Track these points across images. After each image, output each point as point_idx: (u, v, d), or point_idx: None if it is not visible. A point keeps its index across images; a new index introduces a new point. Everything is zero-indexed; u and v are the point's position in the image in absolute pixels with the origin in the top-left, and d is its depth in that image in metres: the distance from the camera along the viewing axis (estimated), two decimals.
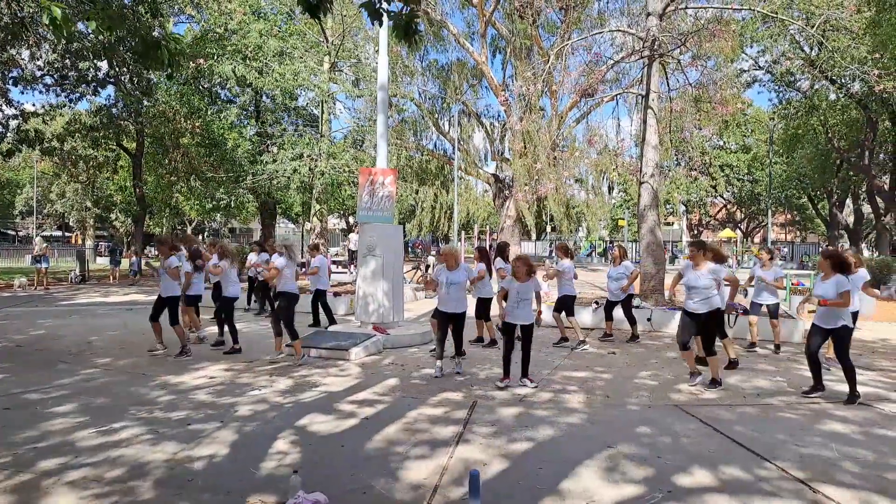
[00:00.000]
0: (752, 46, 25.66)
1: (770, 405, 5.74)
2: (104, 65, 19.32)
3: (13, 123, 18.95)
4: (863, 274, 7.47)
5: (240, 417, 5.12)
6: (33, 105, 21.37)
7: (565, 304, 8.91)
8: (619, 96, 18.28)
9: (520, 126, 23.30)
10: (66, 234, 51.71)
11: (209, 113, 22.65)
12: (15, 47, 16.72)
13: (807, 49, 24.55)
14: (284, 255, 7.56)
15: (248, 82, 20.47)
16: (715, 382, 6.34)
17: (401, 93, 25.72)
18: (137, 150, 23.29)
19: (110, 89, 20.98)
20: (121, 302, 14.20)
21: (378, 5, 3.72)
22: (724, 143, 41.93)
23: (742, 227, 53.59)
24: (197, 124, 21.81)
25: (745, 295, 9.63)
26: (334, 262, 21.59)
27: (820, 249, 29.50)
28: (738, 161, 42.65)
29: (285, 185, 20.97)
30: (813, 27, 14.27)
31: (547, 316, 9.38)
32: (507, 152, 29.85)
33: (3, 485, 3.71)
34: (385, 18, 3.82)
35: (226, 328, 8.18)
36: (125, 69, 18.75)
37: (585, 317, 10.76)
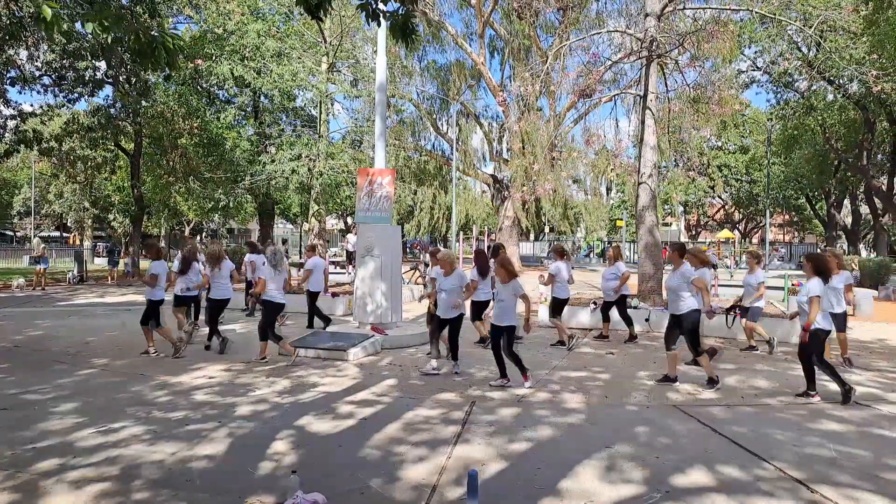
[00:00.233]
0: (750, 47, 25.71)
1: (768, 405, 5.75)
2: (102, 65, 19.31)
3: (11, 124, 18.92)
4: (845, 276, 7.50)
5: (238, 417, 5.12)
6: (31, 105, 21.32)
7: (559, 305, 8.98)
8: (617, 97, 18.30)
9: (518, 126, 23.31)
10: (64, 234, 51.63)
11: (207, 113, 22.63)
12: (13, 48, 16.70)
13: (804, 50, 24.60)
14: (268, 264, 7.53)
15: (246, 83, 20.46)
16: (711, 382, 6.35)
17: (399, 93, 25.72)
18: (135, 151, 23.25)
19: (108, 89, 20.97)
20: (119, 302, 14.18)
21: (375, 6, 3.73)
22: (723, 143, 42.00)
23: (740, 227, 53.69)
24: (195, 125, 21.80)
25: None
26: (333, 263, 21.58)
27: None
28: (736, 162, 42.74)
29: (284, 185, 20.96)
30: (811, 28, 14.28)
31: (543, 316, 9.39)
32: (505, 153, 29.86)
33: (2, 485, 3.71)
34: (382, 19, 3.83)
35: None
36: (123, 69, 18.74)
37: (583, 317, 10.78)
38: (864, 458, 4.33)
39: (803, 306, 5.97)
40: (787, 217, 50.38)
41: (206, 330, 8.82)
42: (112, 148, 24.18)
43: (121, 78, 19.86)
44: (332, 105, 22.80)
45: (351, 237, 22.75)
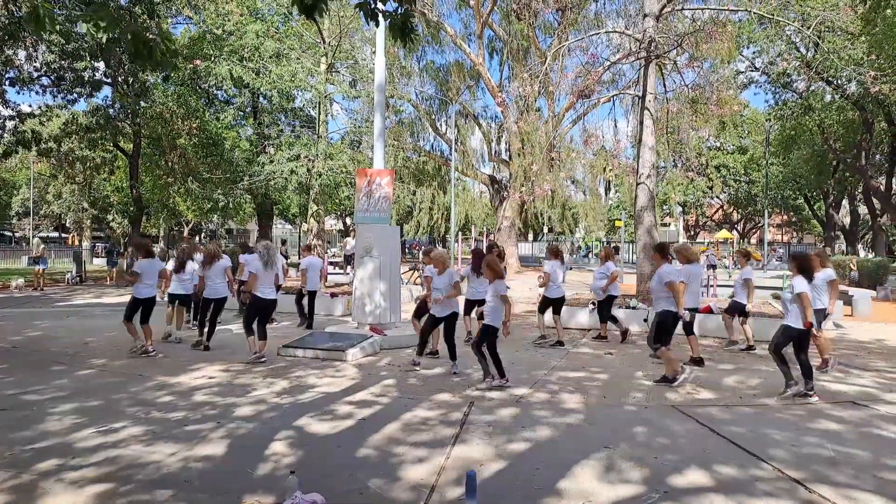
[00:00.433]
0: (748, 48, 25.74)
1: (766, 405, 5.76)
2: (101, 65, 19.31)
3: (10, 124, 18.91)
4: (826, 274, 7.54)
5: (237, 418, 5.12)
6: (30, 106, 21.31)
7: (545, 303, 9.06)
8: (615, 97, 18.32)
9: (517, 127, 23.33)
10: (63, 235, 51.58)
11: (206, 114, 22.64)
12: (12, 48, 16.69)
13: (803, 50, 24.63)
14: (259, 260, 7.53)
15: (244, 83, 20.46)
16: (665, 379, 6.52)
17: (398, 94, 25.74)
18: (134, 151, 23.25)
19: (107, 90, 20.97)
20: (117, 303, 14.15)
21: (373, 6, 3.73)
22: (721, 144, 42.05)
23: (739, 228, 53.75)
24: (194, 125, 21.80)
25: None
26: (331, 263, 21.59)
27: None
28: (734, 162, 42.79)
29: (282, 186, 20.96)
30: (809, 28, 14.31)
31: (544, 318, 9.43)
32: (504, 153, 29.88)
33: (2, 485, 3.71)
34: (381, 18, 3.84)
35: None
36: (122, 70, 18.74)
37: (582, 318, 10.78)
38: (863, 457, 4.34)
39: (787, 304, 6.07)
40: (785, 217, 50.47)
41: (204, 330, 8.86)
42: (111, 148, 24.19)
43: (119, 78, 19.86)
44: (331, 106, 22.82)
45: (349, 241, 22.80)
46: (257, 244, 8.62)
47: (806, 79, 24.45)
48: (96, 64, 18.86)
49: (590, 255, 40.67)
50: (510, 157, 26.92)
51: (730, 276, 20.91)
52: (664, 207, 41.55)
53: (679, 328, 7.03)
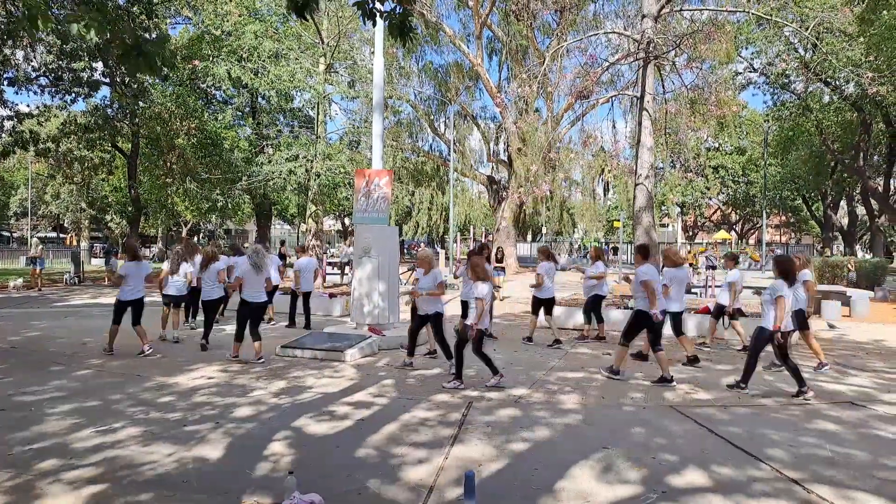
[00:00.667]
0: (746, 48, 25.78)
1: (764, 406, 5.77)
2: (100, 65, 19.29)
3: (8, 124, 18.88)
4: (803, 274, 7.61)
5: (235, 418, 5.12)
6: (28, 106, 21.28)
7: (538, 304, 9.14)
8: (614, 98, 18.35)
9: (515, 128, 23.35)
10: (61, 235, 51.48)
11: (205, 114, 22.62)
12: (11, 48, 16.67)
13: (801, 51, 24.68)
14: (248, 264, 7.53)
15: (243, 83, 20.45)
16: (612, 371, 6.74)
17: (397, 94, 25.75)
18: (133, 151, 23.23)
19: (105, 90, 20.95)
20: None
21: (371, 5, 3.73)
22: (719, 144, 42.10)
23: (737, 228, 53.81)
24: (192, 125, 21.79)
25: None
26: (330, 264, 21.58)
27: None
28: (732, 163, 42.84)
29: (281, 186, 20.95)
30: (807, 30, 14.34)
31: (541, 318, 9.45)
32: (502, 154, 29.89)
33: (0, 485, 3.70)
34: (379, 18, 3.84)
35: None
36: (120, 70, 18.72)
37: (580, 318, 10.77)
38: (861, 458, 4.35)
39: (765, 305, 6.17)
40: (783, 218, 50.54)
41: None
42: (109, 149, 24.15)
43: (118, 79, 19.84)
44: (330, 106, 22.80)
45: (345, 248, 22.89)
46: (247, 247, 8.63)
47: (804, 80, 24.51)
48: (94, 64, 18.84)
49: (588, 255, 40.63)
50: (509, 158, 26.93)
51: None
52: (662, 208, 41.58)
53: (668, 330, 7.25)
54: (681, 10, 14.77)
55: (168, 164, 22.75)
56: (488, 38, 27.21)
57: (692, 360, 7.59)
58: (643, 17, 13.10)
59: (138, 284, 7.89)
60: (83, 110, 21.70)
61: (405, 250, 38.90)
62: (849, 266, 18.95)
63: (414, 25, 4.01)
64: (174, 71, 19.83)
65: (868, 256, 27.79)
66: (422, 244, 38.98)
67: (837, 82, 23.88)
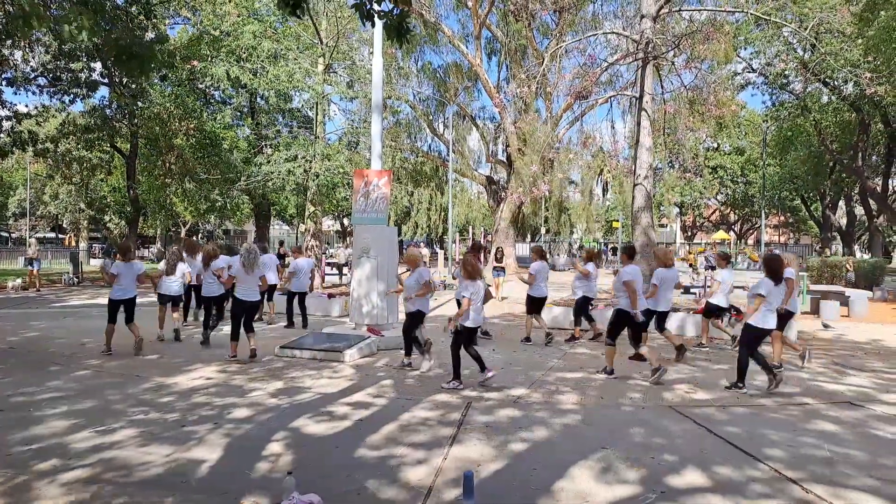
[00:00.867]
0: (745, 49, 25.80)
1: (762, 405, 5.77)
2: (98, 65, 19.26)
3: (6, 125, 18.85)
4: (787, 271, 7.65)
5: (234, 419, 5.11)
6: (26, 106, 21.24)
7: (532, 303, 9.22)
8: (613, 98, 18.35)
9: (514, 128, 23.36)
10: (60, 235, 51.43)
11: (204, 114, 22.60)
12: (8, 48, 16.64)
13: (800, 51, 24.72)
14: (240, 263, 7.53)
15: (241, 84, 20.44)
16: (605, 371, 6.94)
17: (396, 95, 25.75)
18: (131, 152, 23.19)
19: (104, 90, 20.92)
20: None
21: (369, 6, 3.73)
22: (718, 145, 42.14)
23: (736, 229, 53.86)
24: (191, 126, 21.76)
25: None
26: (329, 264, 21.56)
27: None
28: (731, 163, 42.88)
29: (280, 186, 20.94)
30: (806, 30, 14.35)
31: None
32: (501, 154, 29.90)
33: None
34: (377, 19, 3.83)
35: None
36: (118, 71, 18.70)
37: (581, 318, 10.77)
38: (859, 458, 4.35)
39: (749, 302, 6.39)
40: (782, 218, 50.59)
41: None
42: (108, 149, 24.12)
43: (116, 79, 19.82)
44: (329, 106, 22.80)
45: (341, 251, 22.88)
46: (242, 247, 8.65)
47: (803, 80, 24.54)
48: (93, 64, 18.81)
49: (600, 256, 40.59)
50: (508, 158, 26.94)
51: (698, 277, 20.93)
52: (660, 209, 41.64)
53: (652, 329, 7.54)
54: (679, 10, 14.77)
55: (167, 164, 22.71)
56: (487, 38, 27.23)
57: (680, 350, 7.72)
58: (642, 17, 13.10)
59: (130, 284, 7.99)
60: (82, 111, 21.68)
61: (404, 251, 38.82)
62: (847, 266, 18.97)
63: (412, 27, 4.00)
64: (173, 71, 19.82)
65: (866, 256, 27.83)
66: (421, 244, 39.00)
67: (836, 82, 23.91)
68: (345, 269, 20.44)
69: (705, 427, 5.02)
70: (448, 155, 27.21)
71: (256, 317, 9.04)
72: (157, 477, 3.88)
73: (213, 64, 19.69)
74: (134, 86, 19.68)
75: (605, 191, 42.96)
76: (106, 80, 20.22)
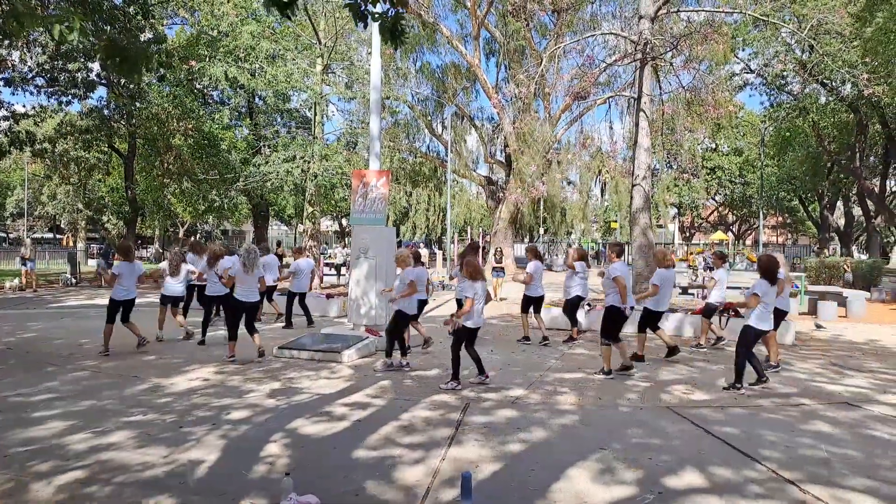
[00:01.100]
0: (743, 50, 25.84)
1: (760, 406, 5.78)
2: (96, 66, 19.25)
3: (4, 125, 18.82)
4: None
5: (231, 420, 5.11)
6: (24, 106, 21.19)
7: (528, 303, 9.28)
8: (611, 99, 18.38)
9: (513, 129, 23.36)
10: (58, 235, 51.34)
11: (202, 115, 22.58)
12: (6, 48, 16.62)
13: (798, 52, 24.75)
14: (240, 263, 7.53)
15: (239, 84, 20.42)
16: (603, 372, 6.93)
17: (394, 95, 25.72)
18: (129, 152, 23.18)
19: (102, 90, 20.91)
20: None
21: (363, 7, 3.73)
22: (717, 145, 42.18)
23: (734, 229, 53.92)
24: (189, 126, 21.75)
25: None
26: (327, 265, 21.56)
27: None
28: (729, 164, 42.93)
29: (278, 187, 20.93)
30: (804, 31, 14.37)
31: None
32: (500, 155, 29.91)
33: None
34: (371, 19, 3.84)
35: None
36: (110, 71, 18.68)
37: (578, 318, 10.77)
38: (856, 458, 4.36)
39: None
40: (780, 219, 50.64)
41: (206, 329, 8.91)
42: (106, 149, 24.11)
43: (114, 79, 19.79)
44: (327, 107, 22.78)
45: (338, 251, 22.88)
46: (241, 248, 8.66)
47: (801, 81, 24.57)
48: (90, 64, 18.79)
49: (598, 256, 40.61)
50: (506, 159, 26.95)
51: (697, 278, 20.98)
52: (657, 210, 41.67)
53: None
54: (678, 10, 14.80)
55: (165, 164, 22.69)
56: (486, 38, 27.23)
57: (672, 351, 7.79)
58: (640, 18, 13.12)
59: (132, 284, 8.04)
60: (79, 111, 21.67)
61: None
62: (845, 267, 19.00)
63: (406, 29, 3.99)
64: (171, 72, 19.80)
65: (864, 257, 27.85)
66: (420, 245, 39.00)
67: (834, 83, 23.93)
68: (343, 270, 20.44)
69: (703, 428, 5.03)
70: (446, 155, 27.21)
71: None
72: (154, 478, 3.87)
73: (211, 64, 19.68)
74: (132, 86, 19.66)
75: (603, 191, 43.02)
76: (104, 81, 20.20)
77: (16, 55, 18.10)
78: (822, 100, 26.61)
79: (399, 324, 7.29)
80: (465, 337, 6.36)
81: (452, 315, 6.48)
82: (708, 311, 8.92)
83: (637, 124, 13.36)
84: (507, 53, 25.68)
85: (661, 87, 14.58)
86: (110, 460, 4.15)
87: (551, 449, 4.51)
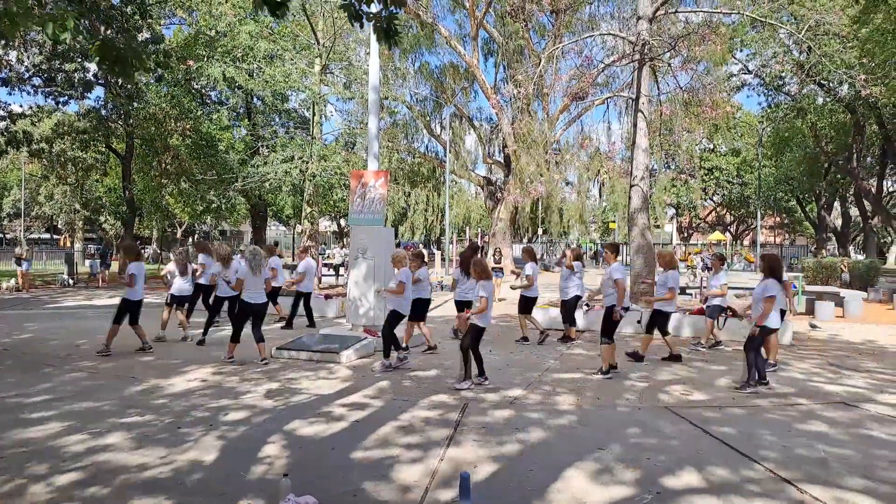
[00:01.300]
0: (741, 50, 25.91)
1: (758, 406, 5.79)
2: (93, 66, 19.20)
3: (1, 124, 18.78)
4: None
5: (229, 421, 5.10)
6: (20, 106, 21.18)
7: (526, 303, 9.30)
8: (609, 100, 18.40)
9: (511, 129, 23.38)
10: (55, 236, 51.24)
11: (200, 115, 22.56)
12: (3, 48, 16.58)
13: (796, 53, 24.80)
14: (246, 265, 7.53)
15: (237, 84, 20.41)
16: (602, 371, 6.96)
17: (392, 95, 25.73)
18: (127, 152, 23.13)
19: (100, 90, 20.87)
20: (109, 305, 14.08)
21: (358, 7, 3.74)
22: (714, 146, 42.23)
23: (732, 229, 54.01)
24: (187, 126, 21.72)
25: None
26: (325, 265, 21.55)
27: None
28: (727, 164, 43.00)
29: (276, 187, 20.92)
30: (801, 32, 14.41)
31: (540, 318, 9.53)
32: (498, 155, 29.93)
33: None
34: (365, 20, 3.85)
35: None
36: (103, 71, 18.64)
37: (576, 318, 10.78)
38: (853, 458, 4.37)
39: (756, 303, 6.42)
40: (778, 219, 50.74)
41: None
42: (103, 150, 24.05)
43: (111, 79, 19.75)
44: (325, 107, 22.79)
45: (336, 251, 22.89)
46: (246, 248, 8.67)
47: (798, 81, 24.62)
48: (87, 64, 18.75)
49: (583, 256, 40.69)
50: (505, 159, 26.96)
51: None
52: (655, 211, 41.73)
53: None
54: (676, 11, 14.83)
55: (162, 164, 22.66)
56: (484, 39, 27.25)
57: (675, 358, 7.82)
58: (638, 18, 13.14)
59: (142, 286, 8.09)
60: (77, 111, 21.62)
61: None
62: (842, 267, 19.05)
63: (400, 29, 4.02)
64: (169, 72, 19.77)
65: (861, 257, 27.91)
66: (419, 246, 38.95)
67: (831, 84, 23.99)
68: (341, 270, 20.43)
69: (701, 428, 5.04)
70: (445, 156, 27.21)
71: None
72: (152, 479, 3.86)
73: (209, 64, 19.67)
74: (130, 86, 19.63)
75: (601, 192, 43.06)
76: (101, 81, 20.16)
77: (13, 55, 18.06)
78: (820, 100, 26.67)
79: (392, 324, 7.32)
80: (479, 336, 6.38)
81: (465, 312, 6.54)
82: (713, 311, 8.92)
83: (635, 125, 13.39)
84: (506, 54, 25.70)
85: (659, 88, 14.61)
86: (108, 461, 4.14)
87: (550, 449, 4.51)
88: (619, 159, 22.45)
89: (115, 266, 22.89)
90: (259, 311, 7.61)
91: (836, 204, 36.85)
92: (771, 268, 6.45)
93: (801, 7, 17.39)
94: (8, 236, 53.64)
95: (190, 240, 44.33)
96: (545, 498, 3.66)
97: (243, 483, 3.83)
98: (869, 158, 30.28)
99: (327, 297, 12.94)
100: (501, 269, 16.56)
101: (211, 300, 9.55)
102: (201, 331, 8.94)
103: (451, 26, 28.02)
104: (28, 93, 19.14)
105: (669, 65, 14.22)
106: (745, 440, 4.71)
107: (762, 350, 7.17)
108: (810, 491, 3.78)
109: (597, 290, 9.08)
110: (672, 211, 49.11)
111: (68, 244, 44.13)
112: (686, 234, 54.62)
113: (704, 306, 9.50)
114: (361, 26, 4.00)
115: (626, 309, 7.27)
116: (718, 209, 52.40)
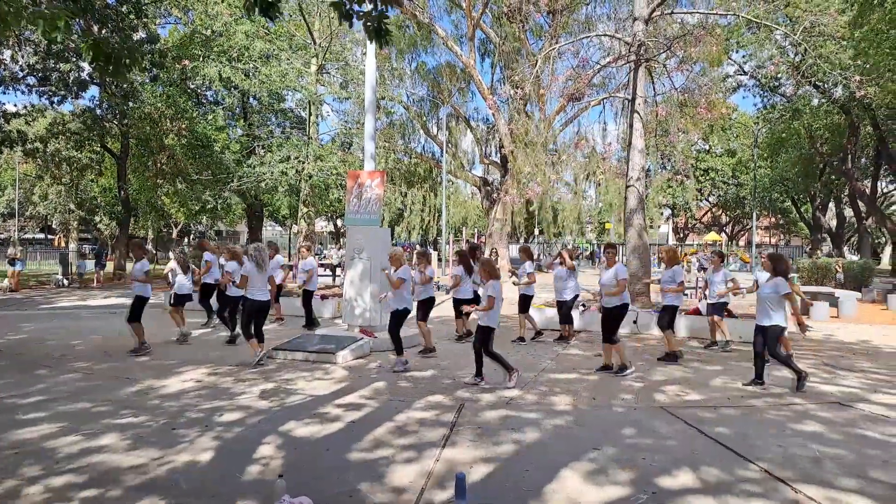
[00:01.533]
0: (737, 51, 25.97)
1: (753, 406, 5.81)
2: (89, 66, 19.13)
3: None
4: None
5: (224, 422, 5.08)
6: (14, 106, 21.10)
7: (525, 303, 9.36)
8: (605, 100, 18.43)
9: (507, 129, 23.38)
10: (50, 236, 51.00)
11: (195, 115, 22.50)
12: None
13: (791, 54, 24.89)
14: (251, 262, 7.51)
15: (233, 84, 20.37)
16: (622, 368, 7.03)
17: (389, 95, 25.69)
18: (122, 152, 23.05)
19: (94, 90, 20.78)
20: (104, 305, 14.03)
21: (348, 6, 3.75)
22: (710, 147, 42.36)
23: (727, 230, 54.18)
24: (183, 126, 21.66)
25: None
26: (322, 265, 21.53)
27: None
28: (722, 165, 43.12)
29: (273, 187, 20.87)
30: (797, 33, 14.46)
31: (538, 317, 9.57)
32: (495, 155, 29.93)
33: None
34: (355, 19, 3.87)
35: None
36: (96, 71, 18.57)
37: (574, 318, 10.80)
38: (848, 458, 4.38)
39: (769, 303, 6.38)
40: (773, 220, 50.90)
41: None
42: (98, 149, 23.96)
43: (106, 79, 19.68)
44: (322, 107, 22.77)
45: (334, 252, 22.89)
46: (248, 246, 8.59)
47: (794, 83, 24.71)
48: (82, 64, 18.68)
49: (580, 256, 40.73)
50: (501, 159, 26.96)
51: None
52: (650, 211, 41.84)
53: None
54: (672, 12, 14.86)
55: (158, 164, 22.58)
56: (481, 39, 27.21)
57: (672, 357, 7.83)
58: (634, 19, 13.18)
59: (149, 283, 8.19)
60: (71, 111, 21.52)
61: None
62: (836, 267, 19.12)
63: (391, 28, 4.04)
64: (164, 71, 19.72)
65: (855, 258, 28.05)
66: (416, 246, 38.96)
67: (826, 85, 24.09)
68: (338, 270, 20.41)
69: (696, 428, 5.05)
70: (442, 156, 27.20)
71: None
72: (147, 480, 3.85)
73: (204, 64, 19.62)
74: (125, 86, 19.57)
75: (597, 192, 43.13)
76: (96, 81, 20.09)
77: (7, 54, 17.97)
78: (815, 102, 26.78)
79: (399, 323, 7.37)
80: (488, 336, 6.41)
81: (472, 306, 6.64)
82: (718, 310, 8.93)
83: (631, 125, 13.41)
84: (503, 54, 25.68)
85: (655, 89, 14.64)
86: (102, 462, 4.12)
87: (545, 449, 4.52)
88: (615, 160, 22.49)
89: (109, 266, 22.78)
90: (263, 307, 7.60)
91: (831, 205, 37.00)
92: (778, 268, 6.43)
93: (796, 9, 17.46)
94: (2, 236, 53.38)
95: (185, 240, 44.20)
96: (541, 498, 3.67)
97: (238, 484, 3.82)
98: (863, 160, 30.43)
99: (324, 297, 12.93)
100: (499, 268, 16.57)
101: (213, 298, 9.58)
102: (201, 331, 8.92)
103: (447, 27, 27.95)
104: (22, 92, 19.04)
105: (665, 66, 14.25)
106: (741, 440, 4.73)
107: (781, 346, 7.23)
108: (805, 490, 3.79)
109: (597, 291, 9.12)
110: (668, 211, 49.24)
111: (63, 244, 43.95)
112: (682, 235, 54.77)
113: (707, 302, 9.48)
114: (351, 25, 4.01)
115: (626, 305, 7.27)
116: (714, 210, 52.56)
